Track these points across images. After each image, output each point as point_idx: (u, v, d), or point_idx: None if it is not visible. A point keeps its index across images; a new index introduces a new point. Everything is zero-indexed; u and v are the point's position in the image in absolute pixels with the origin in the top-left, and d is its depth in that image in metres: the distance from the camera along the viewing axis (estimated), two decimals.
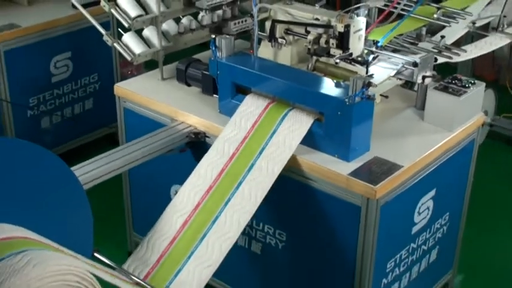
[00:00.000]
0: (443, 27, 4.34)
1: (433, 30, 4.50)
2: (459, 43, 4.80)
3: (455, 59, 4.15)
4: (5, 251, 2.39)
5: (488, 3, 4.90)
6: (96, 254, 3.03)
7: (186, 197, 3.47)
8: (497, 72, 6.66)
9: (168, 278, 3.28)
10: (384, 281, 3.56)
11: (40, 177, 2.75)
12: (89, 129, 5.53)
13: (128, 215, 4.39)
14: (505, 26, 4.82)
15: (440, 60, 4.05)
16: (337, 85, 3.41)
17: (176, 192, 3.91)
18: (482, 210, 4.86)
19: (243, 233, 3.72)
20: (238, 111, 3.60)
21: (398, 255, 3.58)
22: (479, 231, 4.72)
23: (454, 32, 4.54)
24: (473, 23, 4.70)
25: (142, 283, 3.02)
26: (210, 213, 3.38)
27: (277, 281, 3.81)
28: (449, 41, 4.47)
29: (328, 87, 3.43)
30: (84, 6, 4.25)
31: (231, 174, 3.45)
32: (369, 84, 3.28)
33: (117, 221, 4.51)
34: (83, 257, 2.67)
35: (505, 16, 4.78)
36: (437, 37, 4.41)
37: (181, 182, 3.84)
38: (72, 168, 3.05)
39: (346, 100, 3.25)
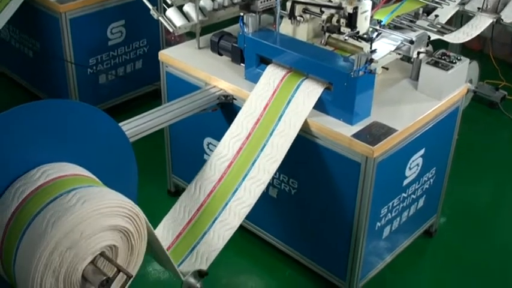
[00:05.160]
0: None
1: (428, 10, 4.43)
2: (450, 21, 4.72)
3: (450, 40, 4.09)
4: (57, 190, 2.36)
5: None
6: None
7: (241, 125, 3.47)
8: (482, 43, 6.56)
9: (228, 193, 3.33)
10: (378, 224, 3.54)
11: (95, 133, 2.73)
12: (138, 86, 5.49)
13: (168, 161, 4.38)
14: (489, 6, 4.71)
15: (434, 37, 3.98)
16: (345, 60, 3.35)
17: (208, 143, 3.93)
18: (465, 164, 4.81)
19: None
20: (260, 80, 3.56)
21: (390, 203, 3.55)
22: (461, 182, 4.67)
23: (446, 11, 4.46)
24: (463, 3, 4.59)
25: (167, 254, 2.95)
26: (259, 141, 3.39)
27: (289, 220, 3.81)
28: (442, 19, 4.39)
29: (337, 61, 3.37)
30: None
31: (273, 109, 3.44)
32: (371, 61, 3.23)
33: (159, 166, 4.50)
34: None
35: None
36: (432, 16, 4.34)
37: (212, 135, 3.85)
38: (120, 124, 3.03)
39: (352, 73, 3.20)
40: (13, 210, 2.36)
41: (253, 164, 3.35)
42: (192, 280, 2.92)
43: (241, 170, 3.36)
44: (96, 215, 2.30)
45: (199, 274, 2.95)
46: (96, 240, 2.32)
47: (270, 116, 3.43)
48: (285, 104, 3.42)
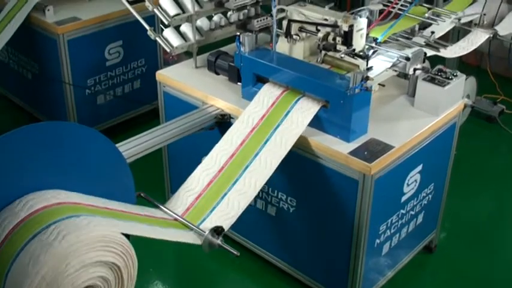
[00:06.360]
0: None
1: (424, 26, 4.44)
2: (447, 36, 4.73)
3: (446, 55, 4.10)
4: (40, 223, 2.35)
5: (472, 3, 4.83)
6: (141, 195, 3.04)
7: (214, 159, 3.40)
8: (479, 59, 6.59)
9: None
10: (377, 241, 3.53)
11: (92, 154, 2.74)
12: (136, 106, 5.52)
13: (166, 180, 4.39)
14: (485, 22, 4.73)
15: (430, 53, 3.99)
16: (341, 77, 3.36)
17: None
18: (464, 178, 4.82)
19: (261, 197, 3.74)
20: (256, 97, 3.57)
21: (389, 220, 3.55)
22: (461, 196, 4.68)
23: (442, 28, 4.47)
24: (459, 19, 4.61)
25: (180, 219, 2.99)
26: (231, 176, 3.30)
27: (288, 238, 3.80)
28: (438, 35, 4.40)
29: (333, 79, 3.38)
30: (132, 2, 4.21)
31: (251, 144, 3.39)
32: (367, 78, 3.24)
33: (157, 185, 4.49)
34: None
35: (484, 14, 4.68)
36: (428, 32, 4.35)
37: None
38: (118, 145, 3.05)
39: (348, 91, 3.21)
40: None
41: (222, 198, 3.19)
42: (211, 237, 2.88)
43: (208, 204, 3.17)
44: (77, 250, 2.30)
45: (216, 232, 2.90)
46: (79, 275, 2.32)
47: (246, 153, 3.35)
48: (262, 142, 3.37)
